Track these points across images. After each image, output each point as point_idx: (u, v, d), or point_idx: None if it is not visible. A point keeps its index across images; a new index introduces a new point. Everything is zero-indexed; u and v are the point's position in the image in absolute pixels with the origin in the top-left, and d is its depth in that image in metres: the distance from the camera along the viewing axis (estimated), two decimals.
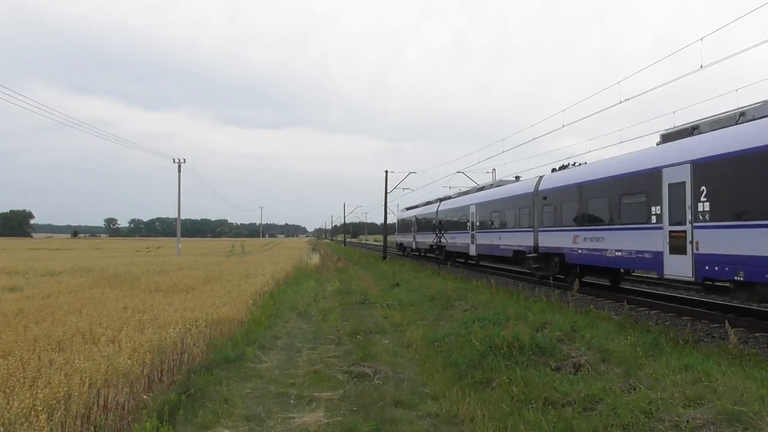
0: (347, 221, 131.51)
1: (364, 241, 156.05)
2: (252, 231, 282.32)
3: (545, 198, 21.14)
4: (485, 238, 28.52)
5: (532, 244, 22.20)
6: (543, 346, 9.56)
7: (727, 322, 10.95)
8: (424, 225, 44.34)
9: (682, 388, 6.97)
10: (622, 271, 19.16)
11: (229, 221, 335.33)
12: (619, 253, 16.20)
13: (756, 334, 11.53)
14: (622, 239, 16.05)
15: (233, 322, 12.70)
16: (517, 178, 28.19)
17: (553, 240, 20.53)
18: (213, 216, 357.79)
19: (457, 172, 43.30)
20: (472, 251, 30.70)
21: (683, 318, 13.76)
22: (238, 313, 13.64)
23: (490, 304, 15.26)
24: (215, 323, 11.87)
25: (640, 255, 15.21)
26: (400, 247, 58.32)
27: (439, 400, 7.77)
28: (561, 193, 20.03)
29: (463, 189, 39.47)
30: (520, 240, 23.53)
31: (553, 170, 22.29)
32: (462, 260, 35.95)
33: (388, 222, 53.08)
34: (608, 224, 16.83)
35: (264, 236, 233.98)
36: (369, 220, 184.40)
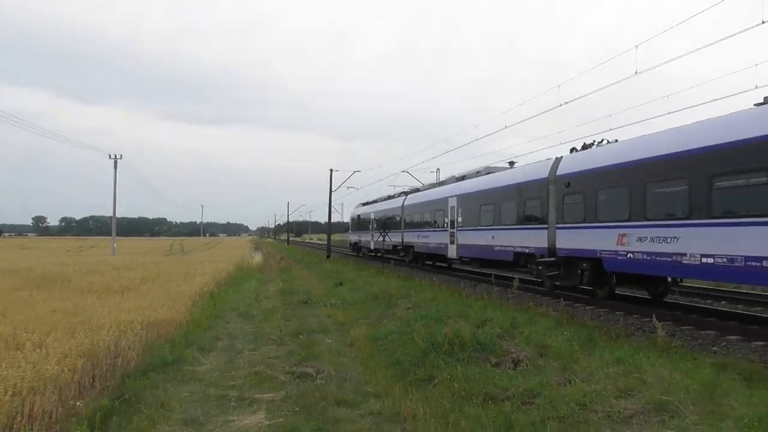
0: (291, 220, 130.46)
1: (307, 240, 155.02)
2: (192, 230, 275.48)
3: (568, 185, 16.26)
4: (471, 237, 23.25)
5: (546, 245, 17.39)
6: (484, 342, 9.72)
7: (654, 316, 11.41)
8: (384, 222, 38.57)
9: (615, 380, 7.24)
10: (669, 280, 14.97)
11: (169, 220, 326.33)
12: (709, 260, 11.28)
13: (682, 328, 12.09)
14: (720, 239, 11.21)
15: (171, 323, 12.33)
16: (512, 164, 23.45)
17: (581, 239, 15.63)
18: (151, 214, 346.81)
19: (402, 171, 43.79)
20: (452, 253, 25.54)
21: (616, 313, 14.28)
22: (177, 314, 13.28)
23: (433, 302, 15.41)
24: (152, 325, 11.51)
25: (754, 264, 10.38)
26: (355, 247, 51.06)
27: (382, 398, 7.78)
28: (598, 177, 14.99)
29: (413, 185, 38.62)
30: (526, 239, 18.58)
31: (573, 150, 17.64)
32: (430, 263, 31.65)
33: (341, 220, 52.69)
34: (688, 217, 11.92)
35: (205, 235, 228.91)
36: (313, 219, 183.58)
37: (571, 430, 5.97)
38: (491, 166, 24.67)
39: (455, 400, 7.41)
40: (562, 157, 17.59)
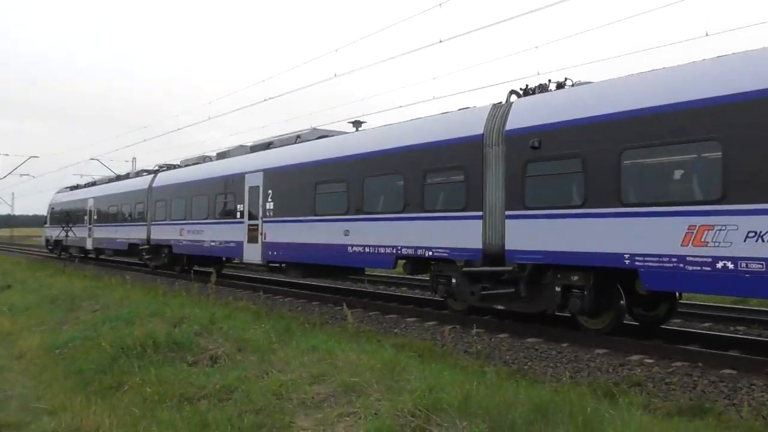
0: None
1: None
2: None
3: (537, 145, 10.02)
4: (295, 233, 16.01)
5: (479, 245, 11.01)
6: (180, 341, 9.35)
7: (345, 304, 12.39)
8: (115, 213, 28.91)
9: (309, 367, 7.60)
10: (677, 296, 10.45)
11: None
12: None
13: (370, 314, 13.40)
14: None
15: None
16: (358, 123, 16.64)
17: (575, 237, 9.62)
18: None
19: (92, 158, 39.55)
20: (252, 255, 18.09)
21: (313, 303, 15.12)
22: None
23: (125, 302, 14.26)
24: None
25: None
26: (57, 246, 37.82)
27: (59, 414, 6.86)
28: (624, 128, 9.01)
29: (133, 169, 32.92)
30: (434, 236, 11.88)
31: (513, 93, 11.43)
32: (198, 267, 23.04)
33: (10, 213, 44.72)
34: None
35: None
36: None
37: (267, 421, 6.06)
38: (320, 128, 17.79)
39: (147, 405, 6.94)
40: (508, 103, 11.24)
